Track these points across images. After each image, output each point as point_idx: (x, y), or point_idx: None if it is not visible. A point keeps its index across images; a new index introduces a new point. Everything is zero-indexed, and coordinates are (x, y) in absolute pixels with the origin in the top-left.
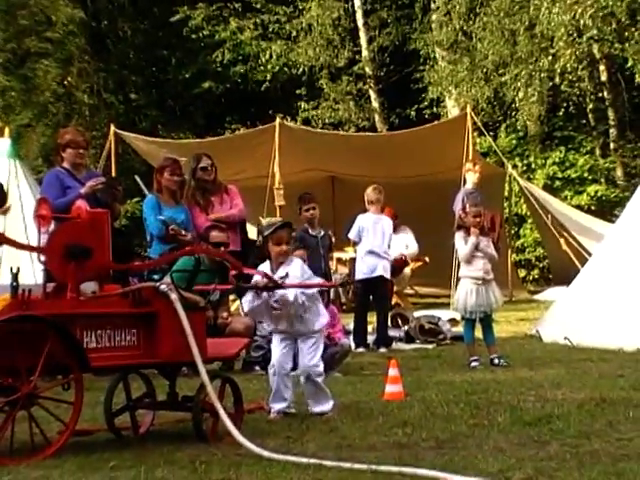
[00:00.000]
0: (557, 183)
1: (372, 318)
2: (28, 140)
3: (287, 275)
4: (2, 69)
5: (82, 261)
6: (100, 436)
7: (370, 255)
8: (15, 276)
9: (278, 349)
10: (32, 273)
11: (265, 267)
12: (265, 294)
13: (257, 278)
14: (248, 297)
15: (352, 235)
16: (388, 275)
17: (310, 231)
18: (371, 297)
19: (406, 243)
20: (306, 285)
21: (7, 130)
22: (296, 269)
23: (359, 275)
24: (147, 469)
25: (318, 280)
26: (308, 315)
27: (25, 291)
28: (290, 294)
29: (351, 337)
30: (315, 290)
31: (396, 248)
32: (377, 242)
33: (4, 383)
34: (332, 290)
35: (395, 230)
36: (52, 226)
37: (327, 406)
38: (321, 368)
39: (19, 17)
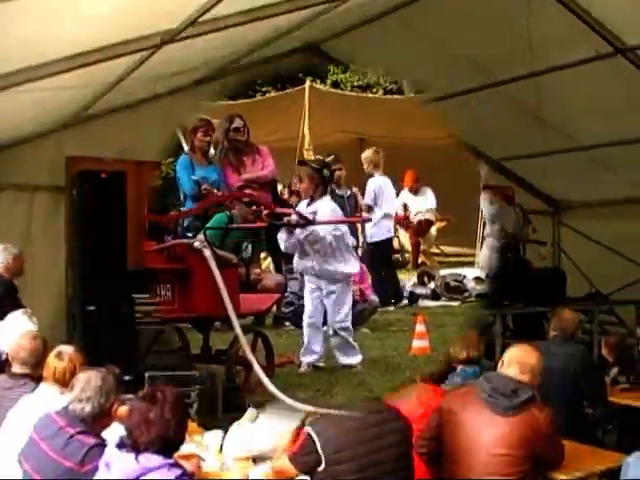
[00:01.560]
0: None
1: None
2: None
3: (316, 212)
4: None
5: None
6: None
7: (387, 218)
8: None
9: (310, 304)
10: None
11: (301, 206)
12: (298, 231)
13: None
14: (282, 235)
15: (369, 200)
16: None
17: (337, 191)
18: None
19: (426, 203)
20: (335, 221)
21: None
22: (326, 206)
23: (377, 237)
24: None
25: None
26: (336, 257)
27: None
28: (321, 230)
29: None
30: (344, 231)
31: (418, 209)
32: (392, 204)
33: None
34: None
35: (416, 192)
36: None
37: (355, 359)
38: (347, 323)
39: None
